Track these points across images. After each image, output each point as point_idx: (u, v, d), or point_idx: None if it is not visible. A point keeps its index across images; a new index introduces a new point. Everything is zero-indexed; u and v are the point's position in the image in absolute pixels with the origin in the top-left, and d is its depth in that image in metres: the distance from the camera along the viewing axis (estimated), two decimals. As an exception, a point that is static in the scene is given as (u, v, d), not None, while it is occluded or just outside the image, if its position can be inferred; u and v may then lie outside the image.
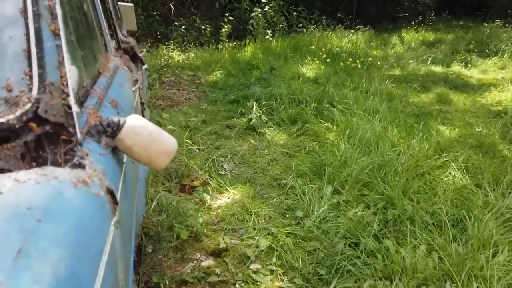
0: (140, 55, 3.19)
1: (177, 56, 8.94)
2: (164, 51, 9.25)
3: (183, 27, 10.69)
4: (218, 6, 11.83)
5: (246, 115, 4.96)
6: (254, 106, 4.84)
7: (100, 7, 2.29)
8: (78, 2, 1.61)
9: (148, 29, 10.73)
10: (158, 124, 4.38)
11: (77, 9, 1.57)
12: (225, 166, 3.77)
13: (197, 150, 4.00)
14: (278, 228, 2.76)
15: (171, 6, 11.70)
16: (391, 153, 3.56)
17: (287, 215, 2.96)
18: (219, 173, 3.63)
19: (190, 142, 4.16)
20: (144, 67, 3.24)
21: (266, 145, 4.27)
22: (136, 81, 2.36)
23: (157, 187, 3.26)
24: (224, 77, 6.90)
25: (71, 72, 1.02)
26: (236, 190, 3.33)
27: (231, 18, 10.89)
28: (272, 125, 4.68)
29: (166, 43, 10.08)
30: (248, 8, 11.32)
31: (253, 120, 4.62)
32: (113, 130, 1.14)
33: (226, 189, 3.33)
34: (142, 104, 2.54)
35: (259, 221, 2.87)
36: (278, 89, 5.54)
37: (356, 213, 2.84)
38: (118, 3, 3.58)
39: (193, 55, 9.05)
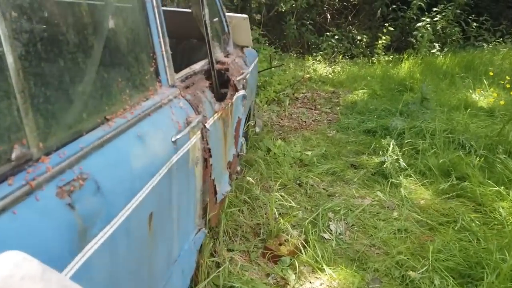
0: (240, 77, 2.47)
1: (322, 68, 8.10)
2: (309, 63, 8.53)
3: (336, 37, 9.79)
4: (379, 15, 10.52)
5: (380, 153, 3.81)
6: (391, 144, 3.64)
7: (158, 20, 1.61)
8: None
9: (299, 39, 10.17)
10: (266, 153, 3.63)
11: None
12: (332, 226, 2.76)
13: (301, 197, 3.09)
14: None
15: (328, 15, 10.93)
16: None
17: None
18: (321, 236, 2.65)
19: (296, 183, 3.27)
20: (240, 93, 2.51)
21: (397, 202, 3.07)
22: (189, 122, 1.62)
23: (233, 244, 2.49)
24: (367, 98, 5.75)
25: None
26: (336, 273, 2.31)
27: (391, 28, 9.50)
28: (412, 175, 3.42)
29: (314, 54, 9.35)
30: (415, 17, 9.69)
31: (386, 164, 3.45)
32: None
33: (322, 268, 2.34)
34: (208, 151, 1.79)
35: None
36: (431, 122, 4.17)
37: None
38: (229, 14, 2.93)
39: (339, 68, 8.07)
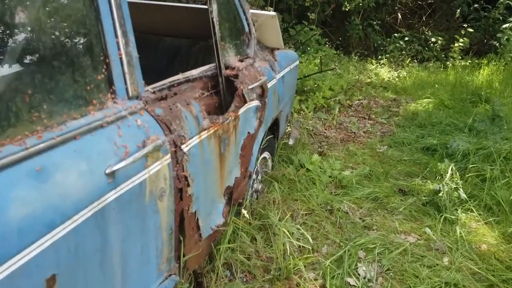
0: (254, 85, 2.07)
1: (386, 73, 7.35)
2: (372, 66, 7.80)
3: (406, 38, 8.89)
4: (458, 15, 9.39)
5: (435, 178, 3.16)
6: (450, 169, 2.98)
7: (117, 15, 1.28)
8: None
9: (364, 40, 9.42)
10: (298, 169, 3.17)
11: None
12: (361, 270, 2.25)
13: (329, 226, 2.59)
14: None
15: (399, 15, 10.01)
16: None
17: None
18: (345, 281, 2.15)
19: (327, 209, 2.78)
20: (252, 104, 2.10)
21: (450, 245, 2.45)
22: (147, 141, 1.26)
23: (231, 284, 2.09)
24: (432, 109, 4.99)
25: None
26: (353, 335, 1.82)
27: (472, 29, 8.40)
28: (474, 210, 2.74)
29: (380, 56, 8.56)
30: (501, 18, 8.47)
31: (441, 193, 2.81)
32: None
33: (336, 326, 1.85)
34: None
35: None
36: (504, 143, 3.39)
37: None
38: (255, 11, 2.53)
39: (405, 73, 7.25)
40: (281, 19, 8.45)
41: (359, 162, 3.59)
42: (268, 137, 2.47)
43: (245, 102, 2.00)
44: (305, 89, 5.19)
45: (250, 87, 2.05)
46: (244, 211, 2.26)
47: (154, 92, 1.45)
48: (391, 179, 3.29)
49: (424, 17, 10.03)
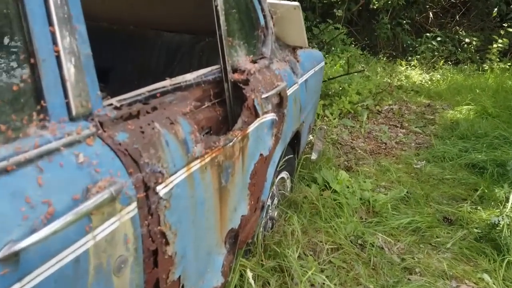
0: (269, 94, 1.58)
1: (417, 75, 6.71)
2: (401, 68, 7.17)
3: (438, 39, 8.19)
4: (495, 14, 8.63)
5: (491, 205, 2.59)
6: (511, 200, 2.40)
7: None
8: None
9: (392, 40, 8.75)
10: (322, 189, 2.65)
11: None
12: (403, 332, 1.72)
13: (360, 267, 2.07)
14: None
15: (430, 14, 9.29)
16: None
17: None
18: None
19: (357, 243, 2.25)
20: (267, 117, 1.61)
21: (518, 300, 1.89)
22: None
23: None
24: (473, 118, 4.37)
25: None
26: None
27: (511, 29, 7.65)
28: (546, 252, 2.17)
29: (410, 57, 7.91)
30: (545, 16, 7.70)
31: (501, 226, 2.25)
32: None
33: None
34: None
35: None
36: None
37: None
38: (273, 1, 2.04)
39: (438, 76, 6.60)
40: (304, 17, 7.90)
41: (393, 181, 3.04)
42: (287, 157, 1.97)
43: (256, 115, 1.51)
44: (330, 92, 4.66)
45: (264, 95, 1.55)
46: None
47: (119, 108, 0.97)
48: (433, 204, 2.73)
49: (457, 16, 9.29)
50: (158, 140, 1.00)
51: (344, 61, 5.76)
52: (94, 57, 0.92)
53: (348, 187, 2.75)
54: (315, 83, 2.70)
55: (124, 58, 2.05)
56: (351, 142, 3.86)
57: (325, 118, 4.29)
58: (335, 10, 7.20)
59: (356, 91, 4.66)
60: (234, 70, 1.54)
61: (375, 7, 7.88)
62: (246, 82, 1.49)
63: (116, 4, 2.22)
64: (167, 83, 1.21)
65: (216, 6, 1.42)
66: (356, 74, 5.08)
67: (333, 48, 6.88)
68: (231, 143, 1.32)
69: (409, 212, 2.58)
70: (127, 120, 0.97)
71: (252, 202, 1.58)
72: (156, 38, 2.02)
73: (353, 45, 7.61)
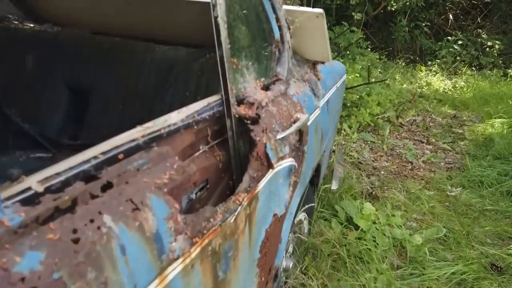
0: (286, 133, 1.16)
1: (439, 82, 6.21)
2: (421, 74, 6.67)
3: (460, 42, 7.66)
4: (520, 15, 8.07)
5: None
6: None
7: None
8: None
9: (410, 44, 8.24)
10: (345, 226, 2.22)
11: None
12: None
13: None
14: None
15: (450, 16, 8.75)
16: None
17: None
18: None
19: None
20: (285, 164, 1.18)
21: None
22: None
23: None
24: (508, 133, 3.88)
25: None
26: None
27: (539, 32, 7.11)
28: None
29: (429, 62, 7.40)
30: None
31: None
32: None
33: None
34: None
35: None
36: None
37: None
38: (291, 7, 1.61)
39: (462, 83, 6.09)
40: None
41: (425, 212, 2.59)
42: (307, 206, 1.55)
43: (269, 166, 1.09)
44: (348, 104, 4.21)
45: (280, 136, 1.13)
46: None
47: (36, 200, 0.56)
48: (476, 244, 2.28)
49: (478, 18, 8.72)
50: (106, 249, 0.59)
51: (361, 67, 5.30)
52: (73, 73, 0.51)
53: (374, 222, 2.32)
54: (337, 102, 2.27)
55: (107, 76, 1.66)
56: (373, 161, 3.42)
57: (342, 131, 3.85)
58: (353, 13, 6.71)
59: (377, 101, 4.20)
60: (240, 101, 1.12)
61: (393, 9, 7.38)
62: (256, 120, 1.07)
63: (101, 10, 1.83)
64: (136, 134, 0.80)
65: (216, 18, 1.01)
66: (377, 83, 4.61)
67: (348, 53, 6.41)
68: (233, 216, 0.90)
69: (449, 257, 2.13)
70: (47, 222, 0.55)
71: (262, 279, 1.16)
72: (146, 52, 1.62)
73: (369, 49, 7.14)
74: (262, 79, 1.29)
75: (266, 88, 1.30)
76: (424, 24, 8.09)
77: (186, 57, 1.58)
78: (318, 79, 1.81)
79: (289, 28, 1.51)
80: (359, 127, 4.03)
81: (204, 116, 1.03)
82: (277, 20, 1.39)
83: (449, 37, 7.71)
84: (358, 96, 4.27)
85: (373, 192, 2.74)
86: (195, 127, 1.00)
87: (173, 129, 0.90)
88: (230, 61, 1.08)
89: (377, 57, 6.93)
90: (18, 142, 1.70)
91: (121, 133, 0.76)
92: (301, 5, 6.48)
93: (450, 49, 7.41)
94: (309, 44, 1.69)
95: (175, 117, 0.93)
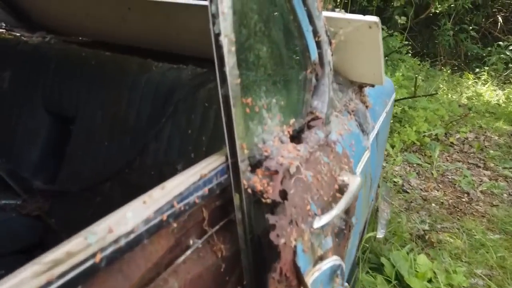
0: (327, 220, 0.71)
1: (490, 92, 5.53)
2: (469, 82, 6.00)
3: (511, 47, 6.89)
4: None
5: None
6: None
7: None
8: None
9: (454, 49, 7.52)
10: (391, 281, 1.74)
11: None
12: None
13: None
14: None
15: (499, 18, 7.94)
16: None
17: None
18: None
19: None
20: (325, 266, 0.74)
21: None
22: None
23: None
24: None
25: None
26: None
27: None
28: None
29: (477, 70, 6.68)
30: None
31: None
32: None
33: None
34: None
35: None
36: None
37: None
38: (332, 14, 1.15)
39: (518, 94, 5.39)
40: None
41: (492, 265, 2.06)
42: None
43: (300, 283, 0.65)
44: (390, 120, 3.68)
45: (318, 225, 0.69)
46: None
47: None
48: None
49: (532, 21, 7.87)
50: None
51: (401, 74, 4.75)
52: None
53: (430, 280, 1.83)
54: (385, 130, 1.80)
55: (92, 101, 1.28)
56: (421, 190, 2.89)
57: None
58: (396, 17, 6.12)
59: (425, 117, 3.65)
60: (255, 165, 0.69)
61: (437, 11, 6.72)
62: (278, 203, 0.64)
63: (99, 17, 1.46)
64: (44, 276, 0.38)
65: (217, 36, 0.59)
66: (426, 96, 4.05)
67: (386, 58, 5.83)
68: None
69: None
70: None
71: None
72: (140, 72, 1.21)
73: (409, 54, 6.52)
74: (292, 121, 0.85)
75: (297, 135, 0.86)
76: (471, 27, 7.37)
77: (190, 81, 1.17)
78: (366, 107, 1.35)
79: (330, 44, 1.06)
80: (402, 147, 3.50)
81: (198, 196, 0.63)
82: (315, 33, 0.95)
83: (500, 42, 6.94)
84: (402, 111, 3.74)
85: (427, 236, 2.23)
86: (179, 221, 0.60)
87: (151, 231, 0.50)
88: (240, 103, 0.66)
89: (418, 63, 6.31)
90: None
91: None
92: (337, 7, 5.97)
93: (501, 55, 6.65)
94: (357, 62, 1.23)
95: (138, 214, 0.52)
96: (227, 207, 0.71)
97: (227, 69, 0.61)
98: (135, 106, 1.22)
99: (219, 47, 0.60)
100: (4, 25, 1.80)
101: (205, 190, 0.64)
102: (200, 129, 1.11)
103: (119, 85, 1.26)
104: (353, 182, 0.80)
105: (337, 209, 0.72)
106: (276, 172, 0.67)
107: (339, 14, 1.12)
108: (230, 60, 0.62)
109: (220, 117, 1.12)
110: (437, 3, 6.64)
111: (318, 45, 0.96)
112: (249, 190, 0.67)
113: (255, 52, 0.73)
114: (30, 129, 1.41)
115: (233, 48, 0.62)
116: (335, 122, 1.06)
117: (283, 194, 0.66)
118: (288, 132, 0.81)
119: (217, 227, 0.70)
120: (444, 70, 6.44)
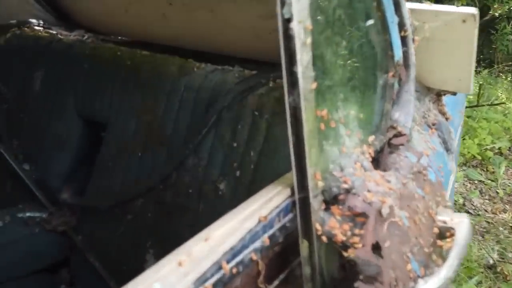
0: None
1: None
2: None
3: None
4: None
5: None
6: None
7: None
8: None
9: (513, 54, 6.91)
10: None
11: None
12: None
13: None
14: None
15: None
16: None
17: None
18: None
19: None
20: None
21: None
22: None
23: None
24: None
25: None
26: None
27: None
28: None
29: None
30: None
31: None
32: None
33: None
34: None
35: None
36: None
37: None
38: (415, 5, 0.93)
39: None
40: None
41: None
42: None
43: None
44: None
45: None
46: None
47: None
48: None
49: None
50: None
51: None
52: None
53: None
54: (459, 145, 1.54)
55: (125, 106, 1.14)
56: (486, 211, 2.56)
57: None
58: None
59: (488, 129, 3.28)
60: (331, 202, 0.50)
61: (497, 14, 6.20)
62: (369, 263, 0.44)
63: (138, 13, 1.34)
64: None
65: (286, 22, 0.40)
66: (491, 106, 3.66)
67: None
68: None
69: None
70: None
71: None
72: (179, 74, 1.05)
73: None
74: (371, 138, 0.65)
75: (377, 156, 0.66)
76: (534, 31, 6.74)
77: (236, 85, 0.98)
78: (447, 119, 1.12)
79: (412, 41, 0.84)
80: (462, 160, 3.16)
81: (255, 247, 0.44)
82: (401, 26, 0.73)
83: None
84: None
85: (498, 268, 1.92)
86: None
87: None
88: (314, 116, 0.46)
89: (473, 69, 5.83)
90: (9, 193, 1.25)
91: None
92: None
93: None
94: (441, 65, 1.00)
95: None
96: (288, 254, 0.52)
97: (299, 69, 0.42)
98: (172, 114, 1.06)
99: (288, 37, 0.41)
100: (42, 23, 1.73)
101: (265, 239, 0.45)
102: (247, 142, 0.92)
103: (156, 89, 1.11)
104: (462, 225, 0.58)
105: (448, 269, 0.50)
106: (365, 215, 0.47)
107: (424, 5, 0.90)
108: (304, 57, 0.42)
109: (273, 131, 0.91)
110: (495, 5, 6.12)
111: (404, 41, 0.74)
112: (324, 238, 0.48)
113: (333, 47, 0.54)
114: (61, 135, 1.29)
115: (309, 40, 0.43)
116: (417, 139, 0.83)
117: (377, 249, 0.46)
118: (370, 154, 0.61)
119: (276, 282, 0.52)
120: (504, 77, 5.91)
